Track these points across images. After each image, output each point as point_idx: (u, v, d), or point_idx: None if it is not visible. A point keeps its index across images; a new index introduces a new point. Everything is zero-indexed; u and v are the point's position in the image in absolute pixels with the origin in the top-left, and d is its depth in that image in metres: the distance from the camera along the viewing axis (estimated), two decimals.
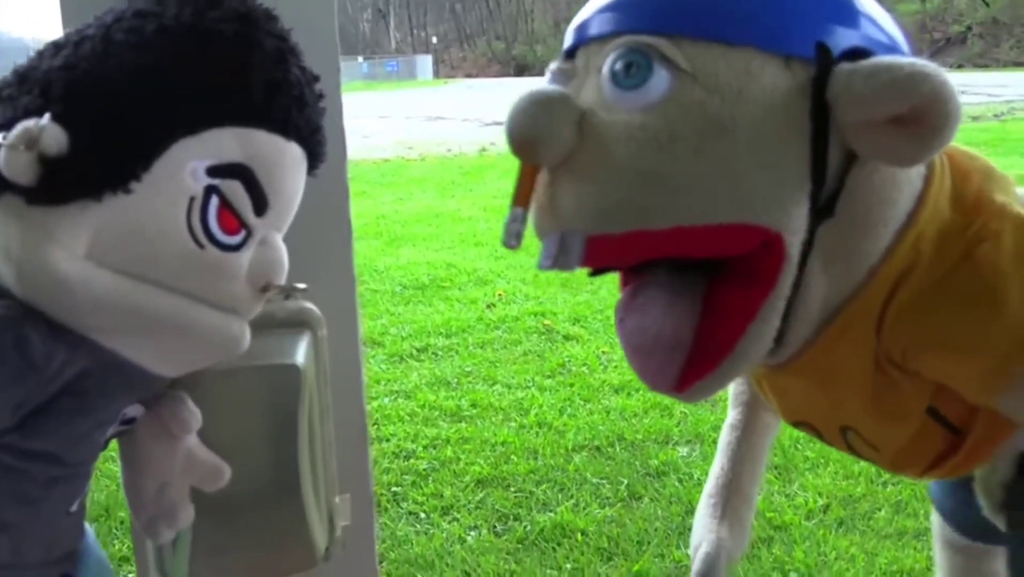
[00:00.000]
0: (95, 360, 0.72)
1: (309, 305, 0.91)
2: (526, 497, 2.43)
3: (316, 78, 0.81)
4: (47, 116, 0.67)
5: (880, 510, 2.27)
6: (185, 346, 0.77)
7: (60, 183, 0.67)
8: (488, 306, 4.32)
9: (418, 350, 3.68)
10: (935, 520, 1.34)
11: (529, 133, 0.76)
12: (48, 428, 0.72)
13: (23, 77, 0.72)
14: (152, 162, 0.70)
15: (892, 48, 0.77)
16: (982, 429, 0.88)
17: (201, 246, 0.73)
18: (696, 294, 0.79)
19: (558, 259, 0.75)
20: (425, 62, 45.34)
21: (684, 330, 0.79)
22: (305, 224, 0.82)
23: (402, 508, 2.38)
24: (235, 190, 0.74)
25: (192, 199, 0.72)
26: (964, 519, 1.22)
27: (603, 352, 3.58)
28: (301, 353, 0.87)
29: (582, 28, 0.81)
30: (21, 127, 0.66)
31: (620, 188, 0.73)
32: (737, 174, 0.72)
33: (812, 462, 2.54)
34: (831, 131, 0.73)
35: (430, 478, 2.54)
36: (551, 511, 2.34)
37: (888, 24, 0.79)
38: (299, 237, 0.81)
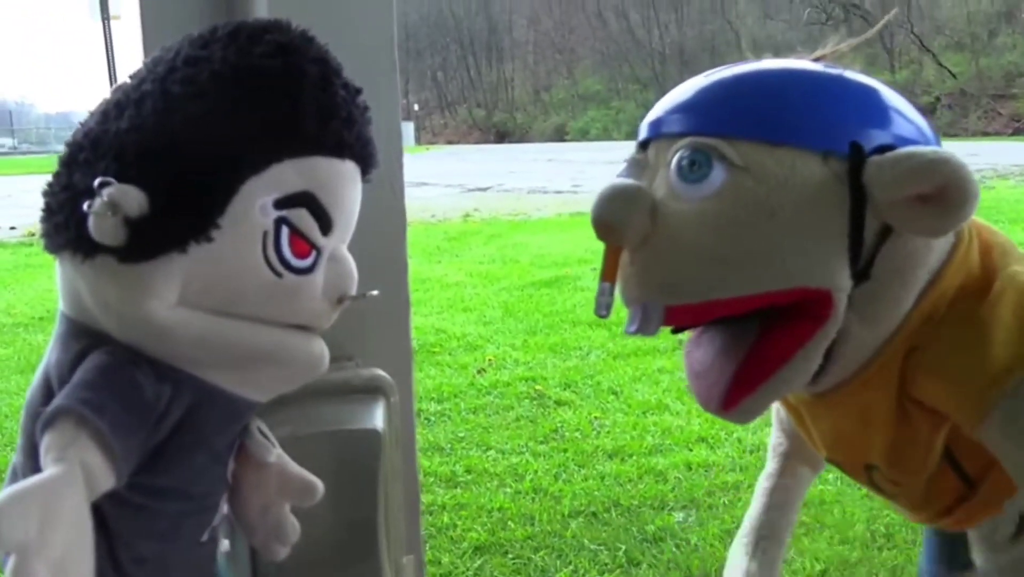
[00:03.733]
0: (198, 395, 0.77)
1: (382, 373, 0.95)
2: (524, 564, 2.42)
3: (359, 91, 0.84)
4: (126, 185, 0.71)
5: (876, 575, 2.28)
6: (277, 371, 0.82)
7: (146, 241, 0.72)
8: (479, 371, 4.33)
9: None
10: None
11: (612, 220, 0.90)
12: (170, 465, 0.76)
13: (96, 142, 0.77)
14: (226, 207, 0.74)
15: (918, 140, 0.90)
16: (994, 481, 0.94)
17: (279, 275, 0.78)
18: (751, 333, 0.92)
19: (641, 326, 0.90)
20: (407, 129, 45.75)
21: (736, 360, 0.92)
22: (368, 298, 0.86)
23: None
24: (302, 217, 0.79)
25: (265, 233, 0.77)
26: None
27: (595, 417, 3.59)
28: (379, 418, 0.91)
29: (655, 125, 0.95)
30: (104, 194, 0.70)
31: (688, 267, 0.88)
32: (784, 248, 0.86)
33: (807, 527, 2.55)
34: (867, 210, 0.86)
35: (428, 545, 2.53)
36: None
37: (915, 116, 0.93)
38: (362, 308, 0.85)
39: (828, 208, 0.86)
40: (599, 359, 4.46)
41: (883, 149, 0.86)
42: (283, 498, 0.90)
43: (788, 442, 1.26)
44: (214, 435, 0.81)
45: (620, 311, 0.94)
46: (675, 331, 0.99)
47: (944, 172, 0.81)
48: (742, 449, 3.19)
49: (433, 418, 3.66)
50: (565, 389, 4.00)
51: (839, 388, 0.95)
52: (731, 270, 0.86)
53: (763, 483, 1.28)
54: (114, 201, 0.70)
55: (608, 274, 0.91)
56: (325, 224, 0.81)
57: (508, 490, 2.91)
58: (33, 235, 8.95)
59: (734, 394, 0.91)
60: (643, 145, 0.97)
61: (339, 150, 0.81)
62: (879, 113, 0.90)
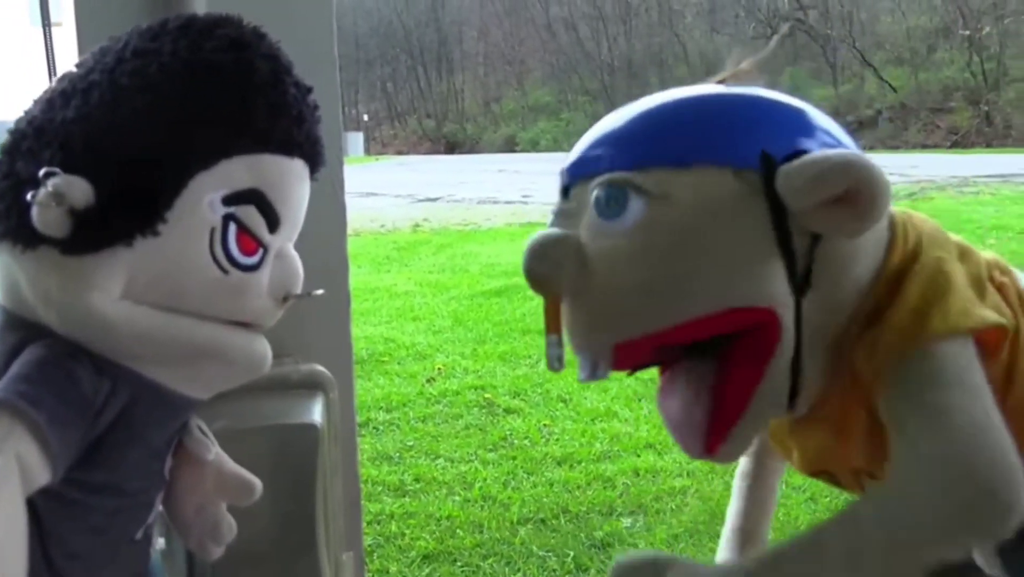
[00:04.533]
0: (137, 390, 0.77)
1: (321, 368, 0.95)
2: (473, 571, 2.42)
3: (309, 89, 0.83)
4: (72, 176, 0.70)
5: None
6: (219, 369, 0.82)
7: (91, 233, 0.71)
8: (428, 380, 4.32)
9: (359, 425, 3.64)
10: None
11: (543, 273, 0.89)
12: (105, 460, 0.75)
13: (40, 130, 0.75)
14: (174, 202, 0.74)
15: (832, 145, 0.90)
16: None
17: (225, 272, 0.78)
18: (712, 373, 0.92)
19: (592, 373, 0.90)
20: (356, 139, 45.30)
21: (704, 406, 0.92)
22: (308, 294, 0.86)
23: None
24: (250, 214, 0.79)
25: (213, 229, 0.76)
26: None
27: (544, 425, 3.60)
28: (317, 413, 0.90)
29: (571, 171, 0.96)
30: (49, 184, 0.69)
31: (623, 303, 0.87)
32: (713, 270, 0.86)
33: None
34: (790, 219, 0.86)
35: (375, 554, 2.51)
36: None
37: (826, 122, 0.93)
38: (303, 306, 0.85)
39: (750, 222, 0.86)
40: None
41: (796, 157, 0.86)
42: (220, 497, 0.90)
43: (757, 440, 1.24)
44: (152, 431, 0.80)
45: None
46: (631, 372, 0.99)
47: (850, 173, 0.82)
48: None
49: (382, 427, 3.64)
50: (514, 397, 4.01)
51: (820, 406, 0.95)
52: (665, 299, 0.86)
53: (739, 482, 1.29)
54: (59, 192, 0.69)
55: (552, 326, 0.91)
56: (272, 222, 0.80)
57: (457, 498, 2.90)
58: None
59: (712, 441, 0.91)
60: (565, 192, 0.98)
61: (288, 148, 0.81)
62: (788, 123, 0.91)
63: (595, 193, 0.89)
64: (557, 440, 3.43)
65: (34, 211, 0.69)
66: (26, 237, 0.72)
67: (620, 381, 4.12)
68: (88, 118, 0.74)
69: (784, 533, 2.53)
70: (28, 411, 0.67)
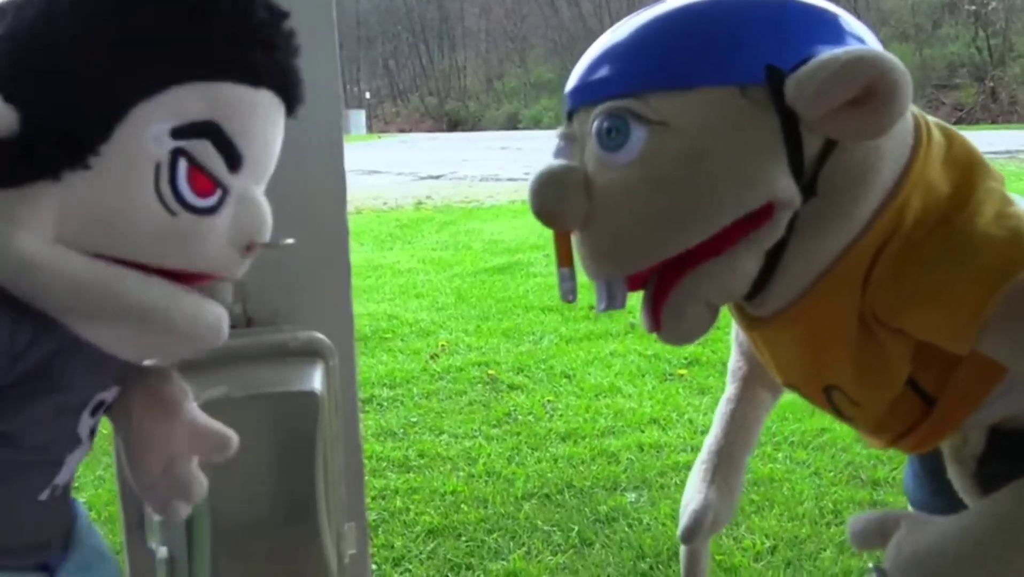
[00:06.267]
0: (61, 344, 0.70)
1: (321, 336, 0.93)
2: (478, 546, 2.42)
3: (285, 14, 0.74)
4: None
5: (825, 550, 2.32)
6: (160, 335, 0.73)
7: (14, 165, 0.64)
8: (431, 357, 4.32)
9: (363, 401, 3.66)
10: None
11: (550, 208, 0.88)
12: (6, 409, 0.68)
13: None
14: (110, 133, 0.66)
15: (842, 43, 0.84)
16: (951, 399, 0.94)
17: (174, 213, 0.69)
18: None
19: (609, 303, 0.90)
20: (359, 117, 45.14)
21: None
22: (307, 263, 0.84)
23: None
24: (204, 149, 0.70)
25: (158, 165, 0.68)
26: (936, 511, 1.29)
27: (548, 401, 3.61)
28: (317, 380, 0.89)
29: (572, 96, 0.93)
30: None
31: (634, 235, 0.86)
32: (722, 190, 0.83)
33: (758, 505, 2.59)
34: (802, 129, 0.82)
35: (380, 529, 2.52)
36: (503, 559, 2.35)
37: (834, 18, 0.87)
38: (302, 276, 0.83)
39: (760, 139, 0.83)
40: (552, 343, 4.47)
41: (805, 64, 0.81)
42: (193, 452, 0.83)
43: (747, 366, 1.24)
44: (70, 388, 0.73)
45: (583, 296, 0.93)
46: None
47: (865, 69, 0.77)
48: (693, 430, 3.22)
49: (386, 403, 3.64)
50: (518, 373, 4.01)
51: (792, 307, 0.91)
52: (676, 227, 0.85)
53: (723, 407, 1.26)
54: None
55: (564, 259, 0.90)
56: (233, 159, 0.72)
57: (461, 474, 2.91)
58: None
59: (656, 306, 0.89)
60: (569, 116, 0.95)
61: (254, 77, 0.72)
62: (792, 28, 0.85)
63: (595, 124, 0.87)
64: (561, 416, 3.44)
65: None
66: None
67: (624, 358, 4.13)
68: (17, 36, 0.66)
69: (791, 510, 2.54)
70: None
